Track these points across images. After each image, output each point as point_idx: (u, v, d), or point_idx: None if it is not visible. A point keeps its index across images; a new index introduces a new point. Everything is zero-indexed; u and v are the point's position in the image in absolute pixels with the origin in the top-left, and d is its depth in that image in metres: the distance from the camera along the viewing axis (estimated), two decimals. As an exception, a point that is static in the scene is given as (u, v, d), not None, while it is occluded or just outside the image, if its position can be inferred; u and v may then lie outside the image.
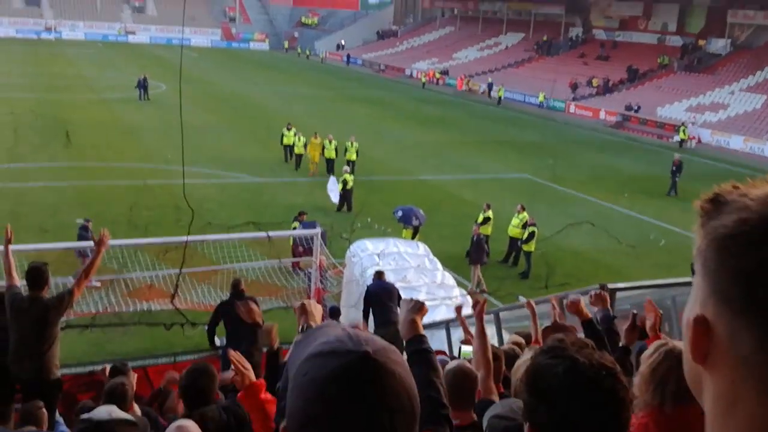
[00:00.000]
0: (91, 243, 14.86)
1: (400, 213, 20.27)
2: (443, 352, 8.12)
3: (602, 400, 1.62)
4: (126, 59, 68.63)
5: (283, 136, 30.77)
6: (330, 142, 28.74)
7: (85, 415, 3.42)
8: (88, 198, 23.22)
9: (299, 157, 29.70)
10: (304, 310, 2.95)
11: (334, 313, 12.28)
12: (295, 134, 30.23)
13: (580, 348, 1.70)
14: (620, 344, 4.95)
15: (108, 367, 7.33)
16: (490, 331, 9.65)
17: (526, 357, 3.42)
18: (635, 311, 4.93)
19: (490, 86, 62.95)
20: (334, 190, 24.16)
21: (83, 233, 15.84)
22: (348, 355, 1.27)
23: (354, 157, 28.04)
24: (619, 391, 1.65)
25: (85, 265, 7.30)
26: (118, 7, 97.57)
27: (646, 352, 3.23)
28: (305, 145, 29.52)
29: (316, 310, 2.97)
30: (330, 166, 28.15)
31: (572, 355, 1.67)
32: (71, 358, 10.14)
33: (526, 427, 1.72)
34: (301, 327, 2.86)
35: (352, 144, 28.56)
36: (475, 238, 18.75)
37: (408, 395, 1.30)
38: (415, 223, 19.81)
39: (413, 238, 18.87)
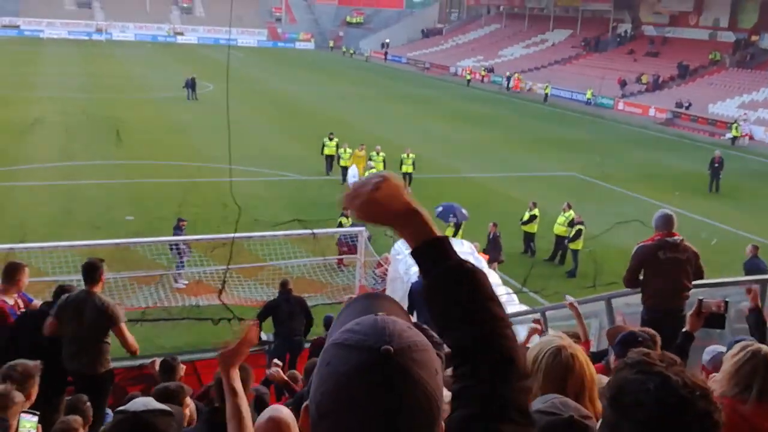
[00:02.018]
0: (187, 237, 15.42)
1: (440, 209, 20.17)
2: None
3: (696, 422, 1.54)
4: (175, 59, 69.73)
5: (324, 146, 28.35)
6: (378, 153, 26.18)
7: (121, 407, 3.48)
8: (138, 195, 23.67)
9: (345, 169, 26.50)
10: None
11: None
12: (338, 145, 27.87)
13: (670, 364, 1.62)
14: (684, 329, 4.88)
15: (157, 360, 7.46)
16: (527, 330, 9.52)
17: (539, 341, 3.36)
18: (701, 298, 4.84)
19: (509, 79, 63.31)
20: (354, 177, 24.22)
21: (177, 232, 16.42)
22: (368, 353, 1.24)
23: (411, 169, 25.82)
24: (713, 414, 1.56)
25: (125, 342, 7.45)
26: (167, 9, 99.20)
27: (731, 351, 3.29)
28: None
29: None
30: None
31: (663, 371, 1.60)
32: (121, 351, 10.30)
33: None
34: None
35: (408, 156, 26.14)
36: (491, 236, 18.58)
37: (428, 399, 1.25)
38: (452, 220, 19.66)
39: (455, 235, 18.75)
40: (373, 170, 24.38)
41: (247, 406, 2.93)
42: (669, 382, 1.57)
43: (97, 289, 7.17)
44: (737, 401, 3.08)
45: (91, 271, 7.13)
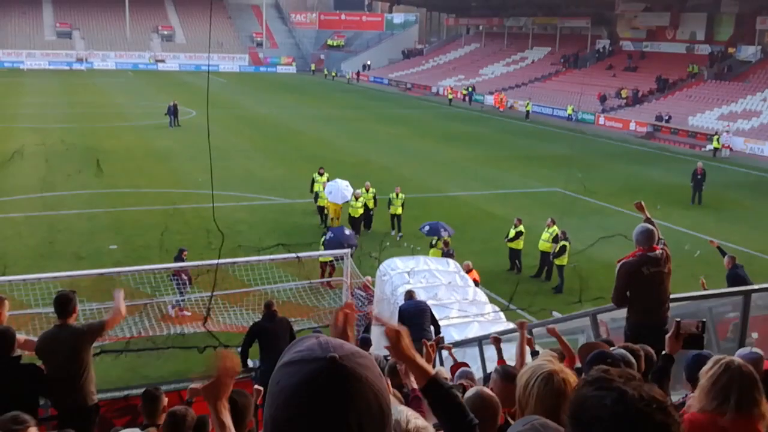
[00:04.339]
0: (172, 265, 15.23)
1: (427, 228, 20.26)
2: (465, 364, 8.02)
3: None
4: (156, 87, 69.74)
5: (313, 182, 25.34)
6: (367, 191, 23.80)
7: None
8: (121, 224, 23.53)
9: (323, 209, 24.23)
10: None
11: (364, 343, 12.22)
12: (328, 180, 24.70)
13: (628, 380, 1.63)
14: (663, 352, 4.87)
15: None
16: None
17: (531, 365, 3.36)
18: (678, 319, 4.85)
19: (470, 94, 66.10)
20: (338, 193, 22.90)
21: (179, 261, 16.27)
22: (315, 362, 1.33)
23: (400, 211, 23.47)
24: (671, 426, 1.56)
25: (112, 313, 7.36)
26: (147, 37, 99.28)
27: (705, 367, 3.34)
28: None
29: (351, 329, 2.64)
30: (368, 220, 23.86)
31: (620, 386, 1.60)
32: (106, 382, 10.20)
33: None
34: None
35: (397, 196, 23.65)
36: (443, 253, 18.59)
37: (377, 398, 1.34)
38: (444, 234, 19.71)
39: (444, 255, 18.76)
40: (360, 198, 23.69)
41: None
42: (625, 397, 1.57)
43: (71, 321, 7.06)
44: (716, 415, 3.11)
45: (64, 304, 7.02)
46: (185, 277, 15.51)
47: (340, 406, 1.29)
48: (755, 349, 4.76)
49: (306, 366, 1.33)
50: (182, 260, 16.27)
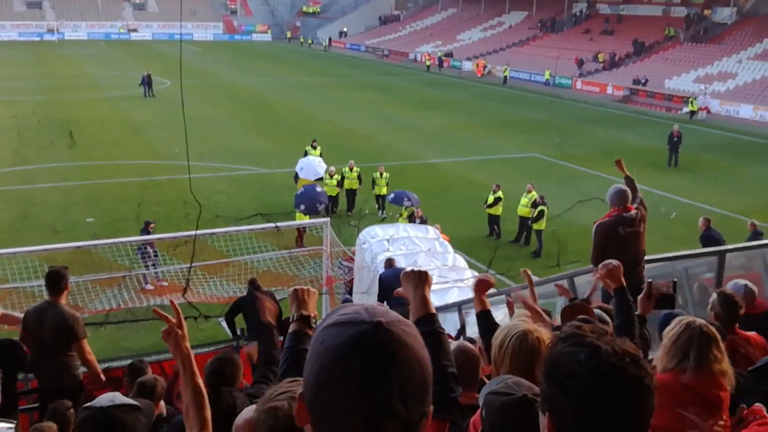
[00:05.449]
0: (147, 237, 15.13)
1: (392, 196, 20.58)
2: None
3: (627, 388, 1.56)
4: (129, 57, 68.66)
5: (306, 154, 24.31)
6: (351, 170, 22.71)
7: (87, 404, 3.43)
8: (97, 196, 23.30)
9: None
10: (296, 298, 2.73)
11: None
12: (321, 154, 23.90)
13: (601, 335, 1.63)
14: (636, 313, 4.93)
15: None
16: (502, 312, 9.60)
17: (506, 325, 3.39)
18: (650, 280, 4.89)
19: (440, 60, 66.82)
20: (309, 169, 22.02)
21: (145, 235, 16.09)
22: (362, 324, 1.35)
23: (384, 191, 22.32)
24: (644, 378, 1.57)
25: (92, 369, 7.25)
26: (119, 6, 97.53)
27: (668, 328, 3.37)
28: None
29: (310, 299, 2.75)
30: (351, 200, 22.75)
31: (593, 341, 1.60)
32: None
33: (544, 417, 1.66)
34: (291, 317, 2.68)
35: (381, 175, 22.65)
36: (417, 221, 18.65)
37: (420, 366, 1.35)
38: (407, 203, 19.82)
39: (411, 220, 18.77)
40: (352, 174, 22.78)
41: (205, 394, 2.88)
42: (599, 352, 1.58)
43: (62, 300, 6.88)
44: (677, 372, 3.16)
45: (56, 281, 6.83)
46: (150, 250, 15.44)
47: (384, 368, 1.31)
48: (750, 284, 4.78)
49: (352, 328, 1.34)
50: (149, 233, 16.18)
